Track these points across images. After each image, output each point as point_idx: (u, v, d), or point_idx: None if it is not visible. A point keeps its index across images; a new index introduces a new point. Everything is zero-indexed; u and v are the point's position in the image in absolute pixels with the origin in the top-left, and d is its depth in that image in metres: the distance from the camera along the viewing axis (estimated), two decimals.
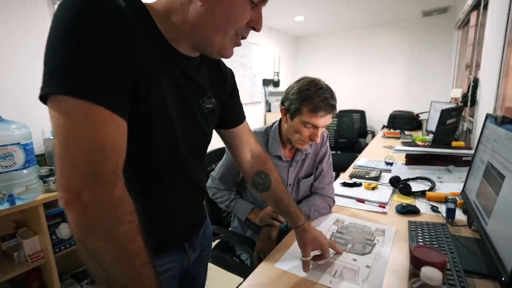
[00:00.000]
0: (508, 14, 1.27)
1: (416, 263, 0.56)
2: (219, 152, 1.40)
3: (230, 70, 0.75)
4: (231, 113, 0.75)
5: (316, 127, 0.98)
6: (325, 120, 0.98)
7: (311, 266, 0.80)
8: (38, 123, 1.63)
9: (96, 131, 0.39)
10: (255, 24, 0.53)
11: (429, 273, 0.45)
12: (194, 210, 0.73)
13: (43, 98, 0.39)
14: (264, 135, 1.11)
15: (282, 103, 1.04)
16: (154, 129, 0.52)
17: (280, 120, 1.11)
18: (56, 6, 1.78)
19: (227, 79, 0.71)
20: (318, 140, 1.00)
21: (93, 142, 0.38)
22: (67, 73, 0.38)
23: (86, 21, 0.39)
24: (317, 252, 0.82)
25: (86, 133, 0.38)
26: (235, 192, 1.20)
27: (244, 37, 0.55)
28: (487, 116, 0.95)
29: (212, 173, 1.20)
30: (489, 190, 0.79)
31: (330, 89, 0.99)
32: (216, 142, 0.94)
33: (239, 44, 0.55)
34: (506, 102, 1.34)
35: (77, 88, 0.38)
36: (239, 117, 0.78)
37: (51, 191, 1.50)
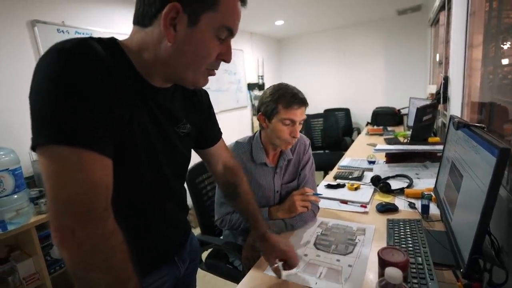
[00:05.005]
0: (467, 18, 1.37)
1: (382, 264, 0.62)
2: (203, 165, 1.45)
3: (205, 92, 0.80)
4: (207, 135, 0.82)
5: (294, 122, 1.06)
6: (300, 113, 1.07)
7: (296, 270, 0.86)
8: (25, 147, 1.63)
9: (87, 174, 0.42)
10: (225, 57, 0.57)
11: (391, 273, 0.51)
12: (181, 226, 0.79)
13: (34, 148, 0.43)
14: (248, 145, 1.17)
15: (259, 110, 1.12)
16: (141, 159, 0.56)
17: (260, 131, 1.18)
18: (36, 29, 1.79)
19: (201, 103, 0.76)
20: (298, 135, 1.09)
21: (85, 184, 0.42)
22: (56, 124, 0.41)
23: (70, 72, 0.42)
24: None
25: (79, 176, 0.42)
26: None
27: (215, 69, 0.59)
28: (451, 118, 1.03)
29: (215, 202, 1.19)
30: (452, 188, 0.87)
31: (296, 88, 1.10)
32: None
33: (212, 75, 0.59)
34: (470, 99, 1.45)
35: (67, 137, 0.42)
36: (215, 136, 0.85)
37: (42, 213, 1.51)
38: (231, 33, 0.55)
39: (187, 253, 0.82)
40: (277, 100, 1.05)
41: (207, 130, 0.80)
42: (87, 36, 0.50)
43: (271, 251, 0.84)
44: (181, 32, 0.50)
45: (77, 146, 0.42)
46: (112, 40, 0.53)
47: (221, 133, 0.87)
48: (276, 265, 0.82)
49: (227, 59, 0.57)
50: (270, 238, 0.85)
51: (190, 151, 0.76)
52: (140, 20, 0.52)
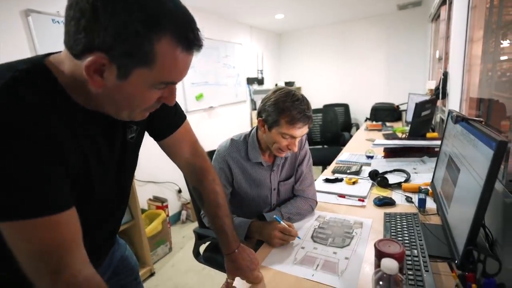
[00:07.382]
0: (468, 12, 1.36)
1: (378, 255, 0.63)
2: None
3: None
4: (161, 124, 0.74)
5: (293, 137, 1.01)
6: (302, 131, 1.01)
7: (295, 261, 0.88)
8: None
9: (34, 244, 0.43)
10: (166, 101, 0.53)
11: (387, 264, 0.52)
12: (102, 248, 0.74)
13: None
14: (243, 143, 1.13)
15: (259, 114, 1.05)
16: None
17: (257, 128, 1.13)
18: (30, 18, 1.76)
19: None
20: (295, 149, 1.04)
21: (43, 251, 0.44)
22: (3, 203, 0.41)
23: (10, 150, 0.40)
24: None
25: (28, 247, 0.43)
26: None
27: (155, 109, 0.55)
28: (449, 112, 1.03)
29: None
30: (449, 181, 0.88)
31: (306, 99, 1.02)
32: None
33: (151, 111, 0.55)
34: (469, 95, 1.45)
35: (16, 213, 0.42)
36: (171, 123, 0.75)
37: None
38: (174, 83, 0.50)
39: (103, 268, 0.78)
40: (281, 113, 0.97)
41: (158, 120, 0.72)
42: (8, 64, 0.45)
43: (234, 272, 0.80)
44: (110, 81, 0.45)
45: (30, 217, 0.42)
46: (39, 67, 0.47)
47: (182, 118, 0.77)
48: (232, 281, 0.79)
49: (169, 103, 0.53)
50: (238, 260, 0.79)
51: (135, 164, 0.71)
52: (69, 47, 0.45)
